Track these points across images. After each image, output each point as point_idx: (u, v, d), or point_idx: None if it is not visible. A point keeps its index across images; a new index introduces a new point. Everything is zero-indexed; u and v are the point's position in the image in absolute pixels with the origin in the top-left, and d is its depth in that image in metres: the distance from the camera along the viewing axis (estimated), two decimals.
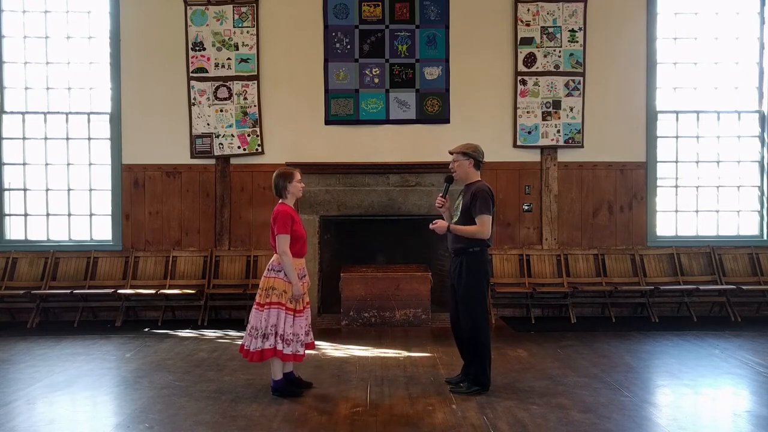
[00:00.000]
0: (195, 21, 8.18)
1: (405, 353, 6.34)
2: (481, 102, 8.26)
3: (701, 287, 8.03)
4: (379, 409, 4.67)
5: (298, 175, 5.00)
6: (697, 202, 8.58)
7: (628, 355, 6.25)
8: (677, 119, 8.53)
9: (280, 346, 4.79)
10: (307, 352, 5.01)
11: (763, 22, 8.52)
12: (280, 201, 4.98)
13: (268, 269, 4.91)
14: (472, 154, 5.02)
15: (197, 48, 8.18)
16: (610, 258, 8.31)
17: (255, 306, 4.93)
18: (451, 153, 5.11)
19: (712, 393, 5.14)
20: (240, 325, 7.74)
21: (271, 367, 4.96)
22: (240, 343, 5.09)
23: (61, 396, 5.04)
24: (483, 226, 4.84)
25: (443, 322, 7.65)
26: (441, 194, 5.14)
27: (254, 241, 8.29)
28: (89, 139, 8.36)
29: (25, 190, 8.37)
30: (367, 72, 8.23)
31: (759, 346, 6.52)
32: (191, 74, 8.18)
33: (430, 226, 5.03)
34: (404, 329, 7.46)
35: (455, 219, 5.02)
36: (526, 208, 8.37)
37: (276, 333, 4.80)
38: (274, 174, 5.00)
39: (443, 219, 5.16)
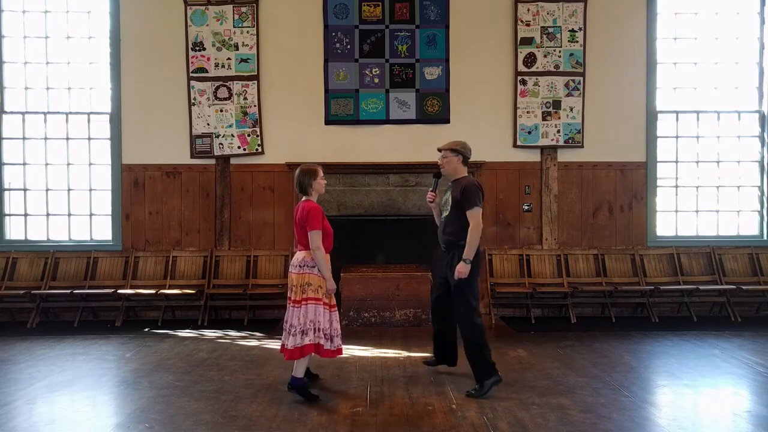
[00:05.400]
0: (195, 21, 8.18)
1: (405, 353, 6.34)
2: (481, 102, 8.26)
3: (701, 287, 8.03)
4: (379, 409, 4.67)
5: (321, 172, 5.10)
6: (697, 202, 8.58)
7: (628, 355, 6.24)
8: (677, 119, 8.53)
9: (321, 341, 4.83)
10: None
11: (763, 22, 8.52)
12: (304, 198, 5.06)
13: (300, 266, 4.88)
14: (460, 150, 5.20)
15: (197, 48, 8.18)
16: (610, 258, 8.31)
17: (291, 303, 4.91)
18: (440, 150, 5.28)
19: (712, 393, 5.14)
20: (240, 325, 7.75)
21: (295, 364, 4.91)
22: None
23: (61, 396, 5.04)
24: (475, 219, 4.97)
25: None
26: (431, 189, 5.32)
27: (254, 241, 8.29)
28: (89, 139, 8.37)
29: (25, 190, 8.37)
30: (367, 72, 8.23)
31: (759, 346, 6.51)
32: (191, 74, 8.19)
33: (456, 276, 4.96)
34: (404, 329, 7.45)
35: (445, 213, 5.19)
36: (526, 208, 8.37)
37: (316, 328, 4.82)
38: (298, 171, 5.08)
39: (433, 214, 5.44)
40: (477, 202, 5.00)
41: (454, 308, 5.13)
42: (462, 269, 4.94)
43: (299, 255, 4.97)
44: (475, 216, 4.97)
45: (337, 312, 5.02)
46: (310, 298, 4.86)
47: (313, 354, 4.87)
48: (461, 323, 5.07)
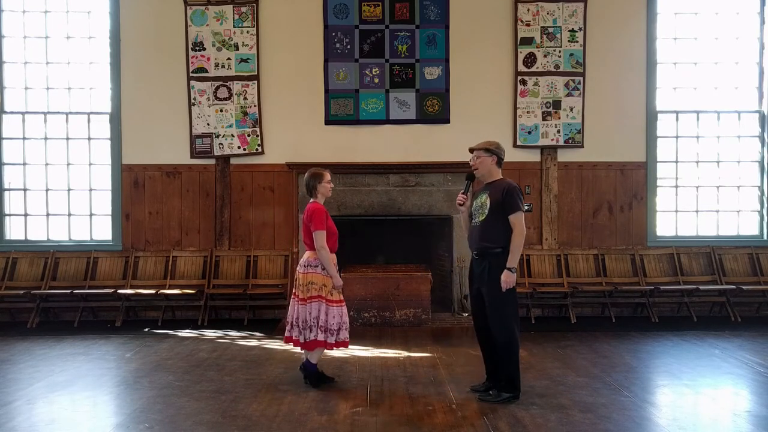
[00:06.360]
0: (195, 21, 8.18)
1: (405, 353, 6.34)
2: (481, 102, 8.26)
3: (701, 287, 8.03)
4: (379, 409, 4.67)
5: (328, 176, 5.25)
6: (697, 202, 8.58)
7: (628, 355, 6.24)
8: (677, 119, 8.53)
9: (322, 337, 5.00)
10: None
11: (763, 22, 8.52)
12: (311, 200, 5.21)
13: (305, 265, 5.10)
14: (495, 150, 4.87)
15: (197, 48, 8.18)
16: (610, 258, 8.31)
17: (298, 301, 5.11)
18: (471, 150, 4.94)
19: (712, 393, 5.14)
20: (240, 325, 7.74)
21: (309, 352, 5.15)
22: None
23: (61, 396, 5.04)
24: (519, 224, 4.70)
25: (443, 322, 7.67)
26: (462, 191, 4.97)
27: (254, 241, 8.29)
28: (89, 139, 8.37)
29: (25, 190, 8.37)
30: (367, 72, 8.22)
31: (759, 346, 6.51)
32: (191, 74, 8.19)
33: (504, 287, 4.70)
34: (404, 329, 7.45)
35: (480, 218, 4.82)
36: (526, 208, 8.33)
37: (318, 325, 5.01)
38: (306, 174, 5.28)
39: (461, 217, 5.15)
40: (521, 205, 4.71)
41: (491, 318, 4.79)
42: (508, 279, 4.66)
43: (305, 255, 5.17)
44: (519, 221, 4.68)
45: (344, 307, 5.14)
46: (314, 296, 5.04)
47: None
48: (499, 333, 4.76)
